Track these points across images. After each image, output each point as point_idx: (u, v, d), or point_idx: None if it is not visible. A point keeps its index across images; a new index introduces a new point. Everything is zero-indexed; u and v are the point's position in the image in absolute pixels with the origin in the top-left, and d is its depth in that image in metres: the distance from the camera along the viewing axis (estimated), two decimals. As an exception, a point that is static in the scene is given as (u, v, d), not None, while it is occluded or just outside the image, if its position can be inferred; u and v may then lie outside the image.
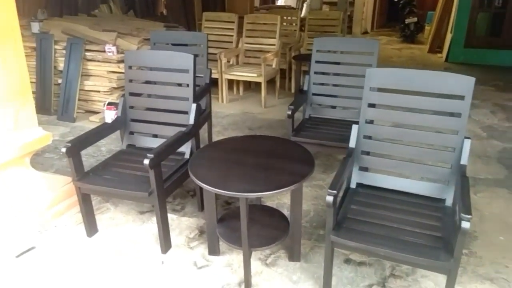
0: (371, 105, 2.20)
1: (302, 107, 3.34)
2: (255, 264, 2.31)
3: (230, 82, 5.48)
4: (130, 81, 2.72)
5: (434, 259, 1.70)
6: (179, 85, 2.66)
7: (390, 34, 12.07)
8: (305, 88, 3.30)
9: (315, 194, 3.03)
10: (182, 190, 3.05)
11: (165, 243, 2.39)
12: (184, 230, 2.63)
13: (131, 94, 2.74)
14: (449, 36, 8.11)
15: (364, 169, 2.27)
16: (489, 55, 7.62)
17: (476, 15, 7.68)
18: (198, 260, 2.35)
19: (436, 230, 1.89)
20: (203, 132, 3.76)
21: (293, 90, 5.63)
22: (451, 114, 2.04)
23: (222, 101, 5.27)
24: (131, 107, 2.76)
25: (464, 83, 1.99)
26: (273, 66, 5.28)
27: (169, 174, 2.41)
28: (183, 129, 2.53)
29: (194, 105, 2.57)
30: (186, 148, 2.61)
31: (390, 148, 2.22)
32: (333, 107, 3.36)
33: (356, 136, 2.21)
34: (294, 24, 6.24)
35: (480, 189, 3.07)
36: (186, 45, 3.65)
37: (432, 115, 2.10)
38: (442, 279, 1.98)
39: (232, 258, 2.35)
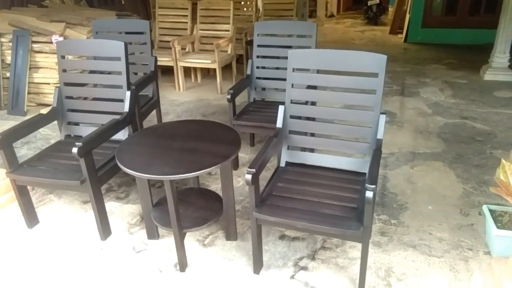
0: (295, 86, 2.26)
1: (247, 91, 3.39)
2: (193, 245, 2.37)
3: (188, 70, 5.48)
4: (64, 71, 2.71)
5: (345, 228, 1.79)
6: (112, 73, 2.67)
7: (355, 17, 12.17)
8: (248, 72, 3.34)
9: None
10: (128, 178, 3.08)
11: (104, 230, 2.42)
12: (126, 216, 2.67)
13: (67, 84, 2.73)
14: (408, 17, 8.26)
15: (292, 148, 2.35)
16: (445, 34, 7.82)
17: (431, -5, 7.84)
18: (137, 244, 2.40)
19: (353, 202, 1.98)
20: (154, 121, 3.79)
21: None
22: (367, 92, 2.12)
23: (179, 89, 5.26)
24: (68, 97, 2.75)
25: (377, 61, 2.07)
26: (228, 52, 5.29)
27: (104, 162, 2.43)
28: (118, 117, 2.54)
29: (128, 92, 2.58)
30: (123, 136, 2.63)
31: (315, 127, 2.30)
32: (275, 89, 3.41)
33: (282, 116, 2.28)
34: (249, 9, 6.24)
35: (417, 163, 3.21)
36: (142, 33, 3.61)
37: (351, 93, 2.17)
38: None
39: (171, 241, 2.40)
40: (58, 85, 2.74)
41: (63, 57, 2.69)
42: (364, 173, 2.19)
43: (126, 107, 2.58)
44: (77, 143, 2.13)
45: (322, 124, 2.27)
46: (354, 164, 2.23)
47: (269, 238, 2.39)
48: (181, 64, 5.10)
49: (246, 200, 2.79)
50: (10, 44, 4.51)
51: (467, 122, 4.00)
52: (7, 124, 4.24)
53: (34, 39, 4.47)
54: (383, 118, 2.10)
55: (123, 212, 2.72)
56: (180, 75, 5.19)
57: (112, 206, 2.76)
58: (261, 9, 6.05)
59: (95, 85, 2.90)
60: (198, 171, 1.91)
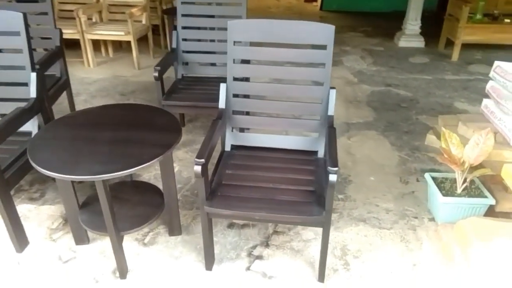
0: (238, 61, 2.04)
1: (174, 66, 3.08)
2: (132, 246, 2.10)
3: (97, 43, 4.89)
4: None
5: (307, 215, 1.67)
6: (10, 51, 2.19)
7: (268, -16, 12.00)
8: (174, 45, 3.02)
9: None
10: (41, 174, 2.62)
11: (19, 240, 2.03)
12: (45, 220, 2.27)
13: None
14: (321, -15, 8.31)
15: (237, 129, 2.15)
16: (359, 2, 8.02)
17: (344, -37, 7.94)
18: (64, 253, 2.06)
19: (310, 185, 1.87)
20: (63, 102, 3.29)
21: (169, 48, 5.25)
22: (315, 65, 1.98)
23: (89, 65, 4.68)
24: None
25: (325, 32, 1.92)
26: (143, 22, 4.81)
27: (12, 160, 2.01)
28: (23, 104, 2.10)
29: (33, 74, 2.14)
30: (32, 127, 2.20)
31: (261, 105, 2.12)
32: (204, 64, 3.14)
33: (225, 95, 2.05)
34: (163, -27, 5.71)
35: (353, 133, 3.22)
36: (36, 1, 3.05)
37: (297, 67, 2.02)
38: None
39: (105, 244, 2.10)
40: None
41: None
42: (316, 152, 2.09)
43: (32, 92, 2.14)
44: (-27, 142, 1.70)
45: (268, 102, 2.09)
46: (304, 143, 2.10)
47: (217, 229, 2.21)
48: (89, 36, 4.51)
49: (185, 188, 2.55)
50: None
51: (391, 89, 4.13)
52: None
53: None
54: (333, 93, 1.98)
55: (39, 215, 2.32)
56: (88, 49, 4.60)
57: (25, 210, 2.34)
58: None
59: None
60: (138, 166, 1.63)
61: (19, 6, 2.96)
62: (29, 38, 2.11)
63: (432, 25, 5.92)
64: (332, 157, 1.66)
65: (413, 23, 5.51)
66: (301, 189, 1.84)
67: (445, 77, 4.44)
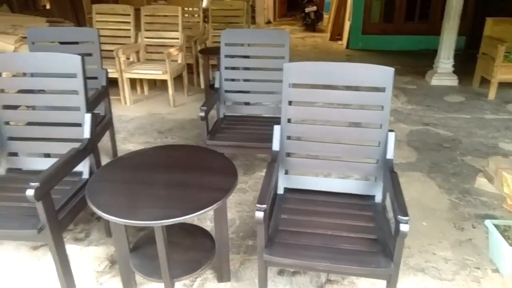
0: (292, 103, 2.01)
1: (216, 105, 3.09)
2: (180, 293, 2.02)
3: (133, 81, 5.00)
4: (2, 91, 2.20)
5: (375, 267, 1.58)
6: (67, 92, 2.22)
7: (292, 23, 12.31)
8: (217, 85, 3.04)
9: (238, 200, 2.81)
10: (85, 213, 2.61)
11: (68, 284, 1.97)
12: (91, 262, 2.23)
13: (6, 107, 2.22)
14: (347, 24, 8.45)
15: (290, 172, 2.10)
16: (385, 40, 8.10)
17: (370, 3, 8.07)
18: (111, 298, 1.99)
19: (371, 232, 1.78)
20: (105, 140, 3.31)
21: (202, 86, 5.34)
22: (373, 108, 1.94)
23: (126, 103, 4.78)
24: (7, 123, 2.24)
25: (383, 74, 1.89)
26: (179, 61, 4.92)
27: (65, 201, 1.99)
28: (77, 144, 2.11)
29: (88, 116, 2.16)
30: (83, 167, 2.20)
31: (315, 148, 2.07)
32: (247, 103, 3.15)
33: (279, 137, 2.02)
34: (196, 15, 5.90)
35: (398, 174, 3.11)
36: (76, 43, 3.16)
37: (355, 109, 1.98)
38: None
39: (152, 290, 2.03)
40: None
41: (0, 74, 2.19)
42: (372, 196, 2.01)
43: (86, 132, 2.15)
44: (32, 184, 1.69)
45: (323, 145, 2.04)
46: (361, 187, 2.03)
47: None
48: (127, 75, 4.63)
49: (230, 230, 2.49)
50: None
51: (430, 128, 4.05)
52: None
53: None
54: (392, 136, 1.93)
55: (85, 257, 2.27)
56: (126, 88, 4.71)
57: (71, 251, 2.30)
58: (209, 16, 5.73)
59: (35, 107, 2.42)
60: (197, 212, 1.58)
61: (74, 48, 3.04)
62: (85, 80, 2.15)
63: (463, 63, 5.88)
64: (400, 204, 1.58)
65: (445, 62, 5.48)
66: (362, 237, 1.75)
67: (484, 116, 4.34)
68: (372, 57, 7.44)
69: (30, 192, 1.68)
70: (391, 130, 1.94)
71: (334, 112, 2.01)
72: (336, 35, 9.21)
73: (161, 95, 5.11)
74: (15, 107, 2.32)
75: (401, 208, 1.55)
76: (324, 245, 1.69)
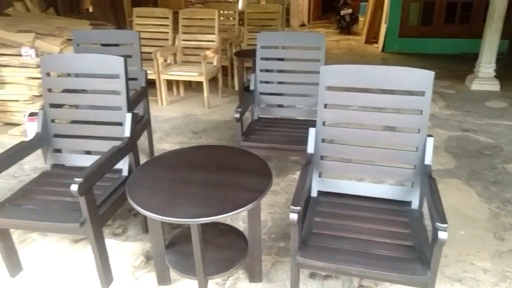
0: (327, 106, 2.01)
1: (250, 107, 3.12)
2: (213, 291, 2.06)
3: (169, 82, 5.12)
4: (50, 90, 2.32)
5: (411, 274, 1.55)
6: (109, 92, 2.31)
7: (327, 26, 12.20)
8: (252, 87, 3.07)
9: (271, 201, 2.83)
10: (123, 209, 2.70)
11: (106, 277, 2.05)
12: (128, 257, 2.30)
13: (52, 105, 2.34)
14: (384, 27, 8.29)
15: (324, 175, 2.09)
16: (422, 44, 7.89)
17: (408, 5, 7.90)
18: (146, 293, 2.05)
19: (407, 239, 1.75)
20: (143, 140, 3.41)
21: (236, 88, 5.40)
22: (412, 112, 1.91)
23: (162, 104, 4.90)
24: (53, 121, 2.36)
25: (423, 77, 1.86)
26: (214, 63, 5.00)
27: (105, 197, 2.07)
28: (118, 143, 2.19)
29: (129, 115, 2.24)
30: (123, 165, 2.28)
31: (351, 151, 2.05)
32: (280, 105, 3.17)
33: (314, 140, 2.02)
34: (232, 18, 5.97)
35: (433, 181, 3.04)
36: (117, 45, 3.28)
37: (393, 113, 1.95)
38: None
39: (186, 287, 2.07)
40: (42, 106, 2.34)
41: (48, 74, 2.30)
42: (409, 202, 1.97)
43: (127, 131, 2.23)
44: (76, 179, 1.77)
45: (359, 149, 2.03)
46: (396, 193, 2.00)
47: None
48: (164, 77, 4.75)
49: (262, 231, 2.50)
50: (-29, 56, 4.00)
51: (470, 134, 3.91)
52: (-30, 148, 3.72)
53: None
54: (431, 141, 1.89)
55: (122, 252, 2.35)
56: (163, 89, 4.83)
57: (109, 245, 2.37)
58: (245, 19, 5.78)
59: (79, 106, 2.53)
60: (233, 211, 1.61)
61: (115, 49, 3.16)
62: (127, 81, 2.23)
63: (505, 68, 5.65)
64: (439, 211, 1.55)
65: (487, 66, 5.28)
66: (398, 243, 1.72)
67: (528, 123, 4.16)
68: (408, 61, 7.26)
69: (74, 187, 1.76)
70: (429, 135, 1.90)
71: (371, 116, 1.99)
72: (371, 38, 9.06)
73: (196, 96, 5.21)
74: (60, 106, 2.43)
75: (439, 215, 1.52)
76: (358, 250, 1.68)
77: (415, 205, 1.95)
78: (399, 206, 1.97)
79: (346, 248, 1.69)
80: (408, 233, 1.78)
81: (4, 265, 2.13)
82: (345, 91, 1.98)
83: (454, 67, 6.53)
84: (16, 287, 2.10)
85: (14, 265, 2.15)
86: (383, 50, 8.20)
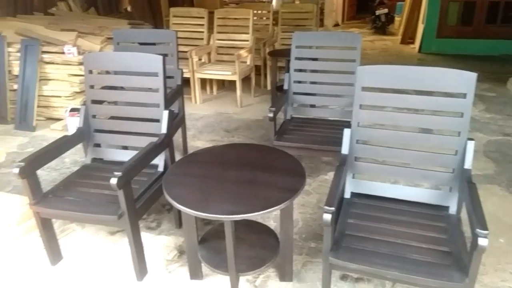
0: (363, 107, 1.99)
1: (283, 107, 3.12)
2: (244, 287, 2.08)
3: (203, 81, 5.20)
4: (92, 87, 2.41)
5: (447, 280, 1.51)
6: (148, 90, 2.38)
7: (361, 26, 12.01)
8: (286, 87, 3.07)
9: (302, 201, 2.82)
10: (157, 204, 2.76)
11: (140, 269, 2.11)
12: (161, 251, 2.36)
13: (94, 101, 2.43)
14: (421, 27, 8.09)
15: (357, 177, 2.07)
16: (461, 44, 7.64)
17: (447, 5, 7.66)
18: (179, 286, 2.10)
19: (444, 244, 1.70)
20: (177, 137, 3.48)
21: (269, 87, 5.41)
22: (452, 114, 1.86)
23: (195, 102, 4.98)
24: (94, 116, 2.45)
25: (464, 79, 1.81)
26: (248, 63, 5.03)
27: (142, 191, 2.14)
28: (155, 139, 2.25)
29: (166, 112, 2.29)
30: (159, 160, 2.34)
31: (387, 153, 2.02)
32: (313, 105, 3.15)
33: (348, 141, 2.00)
34: (265, 18, 5.99)
35: (471, 186, 2.94)
36: (153, 44, 3.36)
37: (432, 115, 1.91)
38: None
39: (218, 282, 2.11)
40: (84, 102, 2.44)
41: (90, 71, 2.39)
42: (446, 207, 1.92)
43: (163, 128, 2.29)
44: (116, 173, 1.83)
45: (395, 151, 1.99)
46: (433, 197, 1.95)
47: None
48: (199, 75, 4.83)
49: (293, 231, 2.50)
50: (18, 54, 4.20)
51: (511, 139, 3.76)
52: (16, 141, 3.92)
53: (44, 49, 4.17)
54: (471, 144, 1.83)
55: (156, 245, 2.41)
56: (197, 87, 4.91)
57: (143, 238, 2.43)
58: (279, 19, 5.79)
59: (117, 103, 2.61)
60: (266, 209, 1.62)
61: (153, 48, 3.24)
62: (165, 79, 2.29)
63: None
64: (479, 217, 1.50)
65: (532, 68, 5.05)
66: (434, 249, 1.68)
67: None
68: (446, 62, 7.05)
69: (113, 181, 1.82)
70: (470, 139, 1.84)
71: (409, 117, 1.95)
72: (408, 38, 8.84)
73: (229, 95, 5.26)
74: (100, 102, 2.52)
75: (480, 221, 1.48)
76: (393, 253, 1.65)
77: (452, 210, 1.90)
78: (435, 210, 1.92)
79: (381, 251, 1.67)
80: (445, 239, 1.74)
81: (46, 253, 2.24)
82: (382, 92, 1.95)
83: (495, 69, 6.28)
84: (56, 274, 2.19)
85: (55, 254, 2.25)
86: (419, 51, 8.00)
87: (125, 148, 2.58)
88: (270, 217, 2.61)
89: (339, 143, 2.04)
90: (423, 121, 1.93)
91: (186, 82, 4.85)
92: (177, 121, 3.22)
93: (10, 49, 4.24)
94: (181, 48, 5.04)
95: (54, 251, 2.24)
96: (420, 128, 1.97)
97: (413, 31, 8.68)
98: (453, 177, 1.89)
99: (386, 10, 10.33)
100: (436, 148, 1.93)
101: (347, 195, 2.06)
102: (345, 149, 2.01)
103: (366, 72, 1.95)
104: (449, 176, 1.91)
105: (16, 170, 1.95)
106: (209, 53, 5.18)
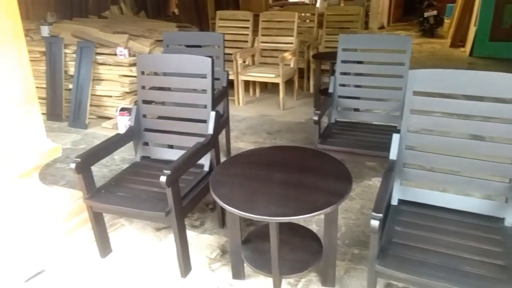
0: (413, 111, 1.94)
1: (328, 110, 3.10)
2: (285, 290, 2.08)
3: (246, 83, 5.25)
4: (143, 87, 2.51)
5: (502, 296, 1.44)
6: (196, 91, 2.44)
7: (408, 28, 11.67)
8: (331, 90, 3.04)
9: (345, 206, 2.78)
10: (201, 203, 2.82)
11: (185, 266, 2.17)
12: (205, 249, 2.41)
13: (144, 101, 2.52)
14: (472, 30, 7.75)
15: (406, 183, 2.02)
16: (517, 48, 7.24)
17: (502, 7, 7.29)
18: (222, 285, 2.13)
19: (498, 257, 1.62)
20: (220, 137, 3.53)
21: (311, 91, 5.38)
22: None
23: (239, 104, 5.04)
24: (144, 116, 2.54)
25: (525, 85, 1.72)
26: (291, 65, 5.03)
27: (188, 190, 2.19)
28: (202, 139, 2.30)
29: (213, 113, 2.34)
30: (205, 160, 2.39)
31: (437, 160, 1.96)
32: (357, 109, 3.11)
33: (397, 147, 1.96)
34: (309, 20, 5.96)
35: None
36: (200, 46, 3.44)
37: (488, 122, 1.83)
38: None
39: (260, 283, 2.12)
40: (136, 102, 2.53)
41: (142, 73, 2.49)
42: (501, 219, 1.83)
43: (210, 129, 2.34)
44: (165, 171, 1.89)
45: (447, 158, 1.93)
46: (488, 208, 1.86)
47: (373, 287, 2.06)
48: (243, 78, 4.89)
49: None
50: (74, 55, 4.44)
51: None
52: (69, 137, 4.14)
53: (97, 50, 4.38)
54: (530, 154, 1.74)
55: (200, 243, 2.46)
56: (240, 89, 4.97)
57: (188, 236, 2.51)
58: (324, 21, 5.74)
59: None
60: (312, 213, 1.62)
61: (200, 50, 3.32)
62: (213, 80, 2.34)
63: None
64: (539, 231, 1.42)
65: None
66: (488, 262, 1.61)
67: None
68: (499, 67, 6.70)
69: (163, 179, 1.88)
70: (529, 148, 1.75)
71: (462, 124, 1.88)
72: (458, 42, 8.50)
73: (271, 98, 5.28)
74: (150, 102, 2.61)
75: (540, 235, 1.39)
76: (443, 264, 1.60)
77: (508, 222, 1.81)
78: (489, 222, 1.84)
79: (430, 262, 1.61)
80: (500, 252, 1.65)
81: (96, 246, 2.34)
82: (436, 97, 1.89)
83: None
84: (106, 267, 2.29)
85: (105, 247, 2.35)
86: (470, 54, 7.66)
87: (171, 147, 2.66)
88: (312, 221, 2.59)
89: (384, 148, 2.00)
90: (479, 128, 1.85)
91: (230, 84, 4.94)
92: (222, 122, 3.27)
93: (66, 51, 4.48)
94: (226, 50, 5.13)
95: (104, 245, 2.34)
96: (472, 135, 1.89)
97: (464, 34, 8.33)
98: (510, 187, 1.80)
99: (435, 12, 9.96)
100: (489, 156, 1.85)
101: (394, 202, 2.01)
102: (393, 155, 1.97)
103: (418, 76, 1.90)
104: (505, 186, 1.82)
105: (73, 166, 2.07)
106: (253, 56, 5.23)
